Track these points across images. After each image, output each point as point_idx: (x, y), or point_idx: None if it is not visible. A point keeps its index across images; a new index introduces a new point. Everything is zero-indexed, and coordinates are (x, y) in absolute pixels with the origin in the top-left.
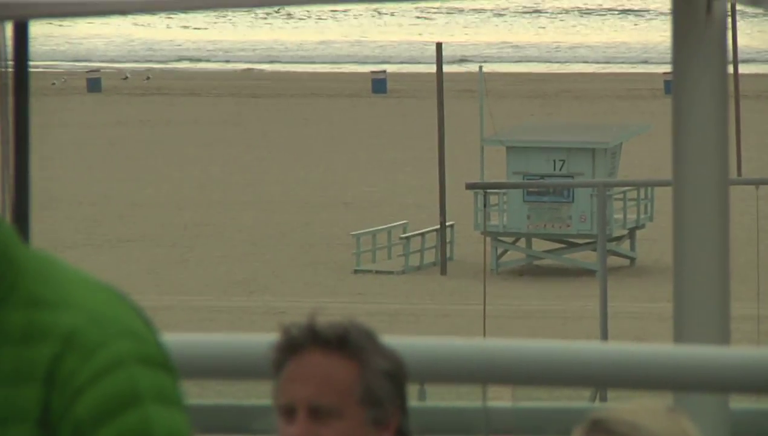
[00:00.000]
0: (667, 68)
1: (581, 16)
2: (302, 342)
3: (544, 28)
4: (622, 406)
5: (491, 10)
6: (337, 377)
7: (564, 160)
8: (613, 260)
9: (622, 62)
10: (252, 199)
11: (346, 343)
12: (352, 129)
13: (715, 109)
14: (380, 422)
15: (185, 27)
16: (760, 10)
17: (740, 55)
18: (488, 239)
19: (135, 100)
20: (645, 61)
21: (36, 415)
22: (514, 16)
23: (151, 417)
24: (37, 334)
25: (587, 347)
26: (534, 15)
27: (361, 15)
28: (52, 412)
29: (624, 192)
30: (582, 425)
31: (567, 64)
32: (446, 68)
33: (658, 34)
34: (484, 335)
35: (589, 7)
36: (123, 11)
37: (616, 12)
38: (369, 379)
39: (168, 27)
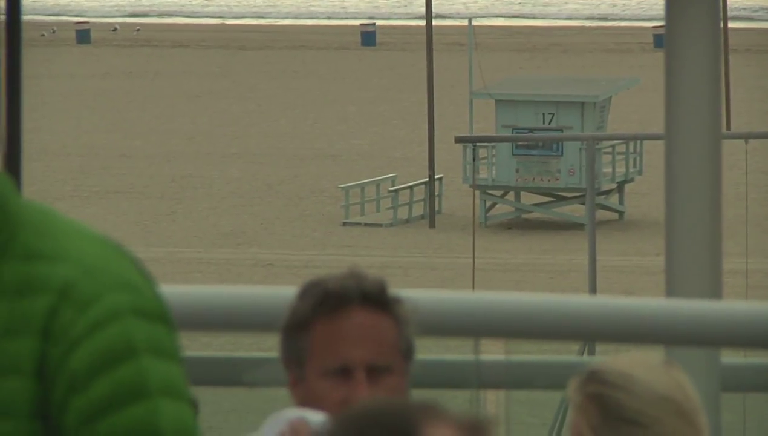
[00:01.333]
0: (657, 22)
1: None
2: (349, 299)
3: None
4: (618, 358)
5: None
6: (387, 334)
7: (553, 114)
8: (601, 214)
9: (612, 18)
10: (240, 151)
11: (386, 298)
12: (341, 82)
13: (707, 64)
14: (409, 372)
15: None
16: None
17: (729, 12)
18: (477, 192)
19: (124, 51)
20: (634, 16)
21: (33, 367)
22: None
23: (146, 369)
24: (32, 287)
25: (581, 301)
26: None
27: None
28: (48, 365)
29: (613, 146)
30: (578, 377)
31: (556, 18)
32: (436, 21)
33: None
34: (473, 288)
35: None
36: None
37: None
38: (405, 331)
39: None
